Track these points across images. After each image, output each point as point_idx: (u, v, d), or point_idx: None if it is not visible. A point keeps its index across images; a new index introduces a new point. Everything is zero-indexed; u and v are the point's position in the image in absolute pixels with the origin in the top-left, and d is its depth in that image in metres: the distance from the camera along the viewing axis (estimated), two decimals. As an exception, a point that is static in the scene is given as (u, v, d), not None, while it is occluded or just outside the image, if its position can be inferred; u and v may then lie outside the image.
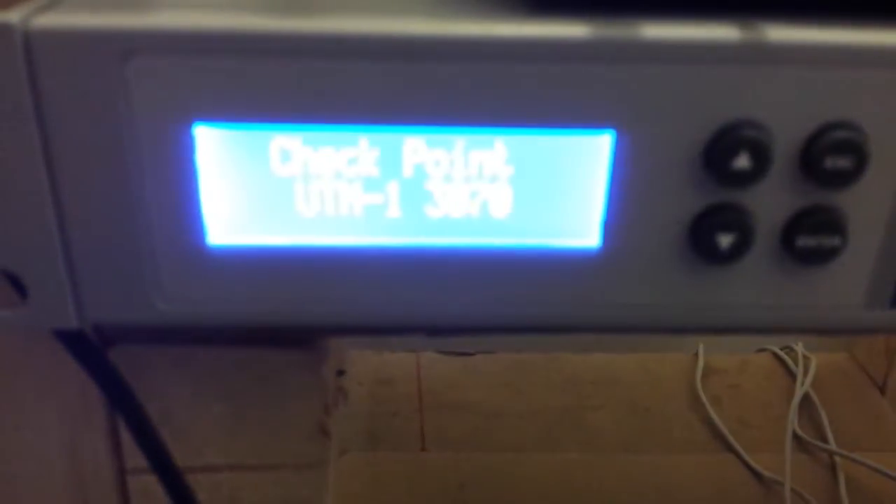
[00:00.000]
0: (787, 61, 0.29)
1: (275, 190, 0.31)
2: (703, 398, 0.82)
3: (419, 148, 0.30)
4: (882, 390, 0.84)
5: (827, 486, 0.73)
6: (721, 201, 0.31)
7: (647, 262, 0.32)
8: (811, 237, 0.31)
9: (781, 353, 0.88)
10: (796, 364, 0.86)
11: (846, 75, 0.29)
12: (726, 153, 0.30)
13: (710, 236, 0.31)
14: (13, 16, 0.27)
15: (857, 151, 0.30)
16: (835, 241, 0.31)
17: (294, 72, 0.29)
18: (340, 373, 0.46)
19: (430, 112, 0.30)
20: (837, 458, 0.75)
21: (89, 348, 0.34)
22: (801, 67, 0.29)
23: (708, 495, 0.72)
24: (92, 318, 0.32)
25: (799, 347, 0.87)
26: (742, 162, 0.30)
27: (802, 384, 0.83)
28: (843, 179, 0.30)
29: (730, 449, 0.76)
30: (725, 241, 0.31)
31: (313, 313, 0.33)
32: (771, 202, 0.31)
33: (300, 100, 0.29)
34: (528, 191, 0.31)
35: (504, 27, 0.29)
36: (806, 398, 0.82)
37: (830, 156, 0.30)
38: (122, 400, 0.35)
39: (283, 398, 0.39)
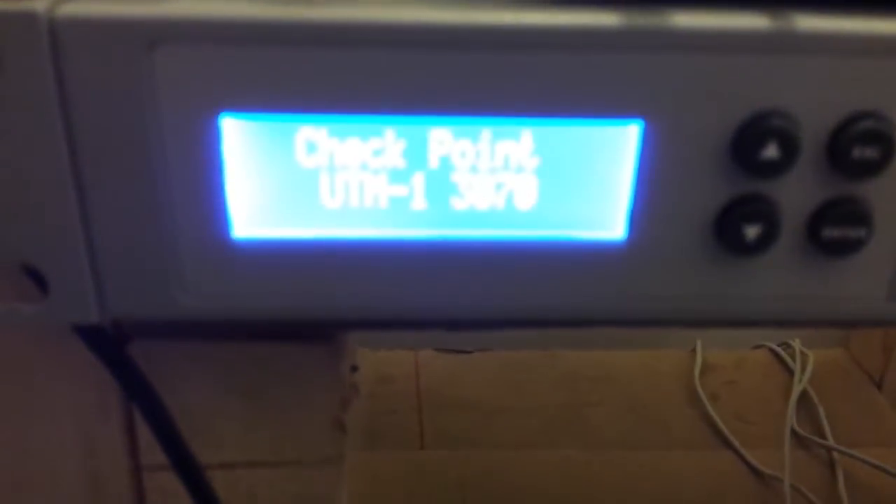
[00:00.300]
0: (816, 51, 0.29)
1: (300, 181, 0.30)
2: (702, 394, 0.82)
3: (445, 139, 0.30)
4: (879, 386, 0.85)
5: (825, 482, 0.73)
6: (748, 192, 0.31)
7: (673, 254, 0.32)
8: (837, 228, 0.31)
9: (779, 350, 0.88)
10: (794, 360, 0.86)
11: (875, 65, 0.29)
12: (754, 143, 0.30)
13: (736, 228, 0.31)
14: (39, 4, 0.27)
15: (885, 141, 0.30)
16: (860, 232, 0.31)
17: (320, 62, 0.29)
18: (354, 369, 0.46)
19: (457, 102, 0.30)
20: (836, 454, 0.75)
21: (109, 344, 0.34)
22: (829, 57, 0.29)
23: (706, 492, 0.72)
24: (114, 313, 0.32)
25: (796, 344, 0.87)
26: (770, 152, 0.30)
27: (800, 380, 0.84)
28: (870, 170, 0.30)
29: (728, 445, 0.77)
30: (752, 232, 0.31)
31: (338, 307, 0.32)
32: (797, 193, 0.31)
33: (326, 90, 0.29)
34: (554, 182, 0.31)
35: (531, 16, 0.29)
36: (804, 394, 0.82)
37: (858, 146, 0.30)
38: (141, 396, 0.35)
39: (300, 394, 0.39)
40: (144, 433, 0.37)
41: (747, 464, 0.75)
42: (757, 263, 0.32)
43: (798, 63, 0.29)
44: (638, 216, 0.31)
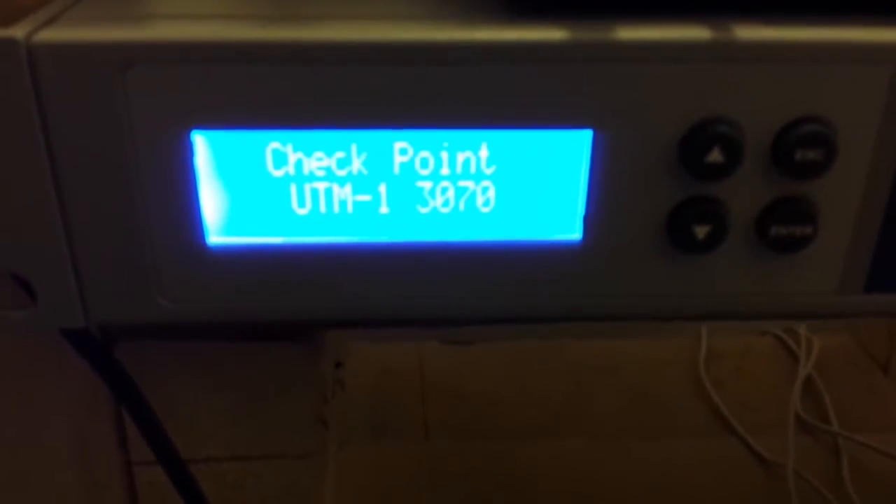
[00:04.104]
0: (757, 59, 0.30)
1: (270, 191, 0.32)
2: (706, 382, 0.82)
3: (407, 149, 0.32)
4: (885, 371, 0.85)
5: (830, 468, 0.74)
6: (696, 194, 0.32)
7: (627, 254, 0.33)
8: (784, 226, 0.32)
9: (784, 336, 0.88)
10: (799, 346, 0.86)
11: (814, 71, 0.31)
12: (700, 149, 0.31)
13: (686, 228, 0.32)
14: (17, 31, 0.29)
15: (827, 144, 0.31)
16: (807, 229, 0.32)
17: (286, 79, 0.30)
18: (339, 365, 0.48)
19: (417, 116, 0.31)
20: (840, 440, 0.76)
21: (95, 346, 0.36)
22: (770, 64, 0.30)
23: (711, 479, 0.73)
24: (97, 318, 0.33)
25: (802, 330, 0.88)
26: (715, 156, 0.31)
27: (805, 366, 0.84)
28: (814, 171, 0.31)
29: (733, 432, 0.77)
30: (701, 231, 0.32)
31: (309, 308, 0.34)
32: (744, 194, 0.32)
33: (293, 106, 0.31)
34: (511, 188, 0.32)
35: (485, 32, 0.30)
36: (809, 380, 0.83)
37: (800, 148, 0.31)
38: (127, 395, 0.36)
39: (282, 390, 0.40)
40: (134, 430, 0.38)
41: (752, 450, 0.75)
42: (708, 261, 0.33)
43: (739, 71, 0.30)
44: (592, 218, 0.33)
